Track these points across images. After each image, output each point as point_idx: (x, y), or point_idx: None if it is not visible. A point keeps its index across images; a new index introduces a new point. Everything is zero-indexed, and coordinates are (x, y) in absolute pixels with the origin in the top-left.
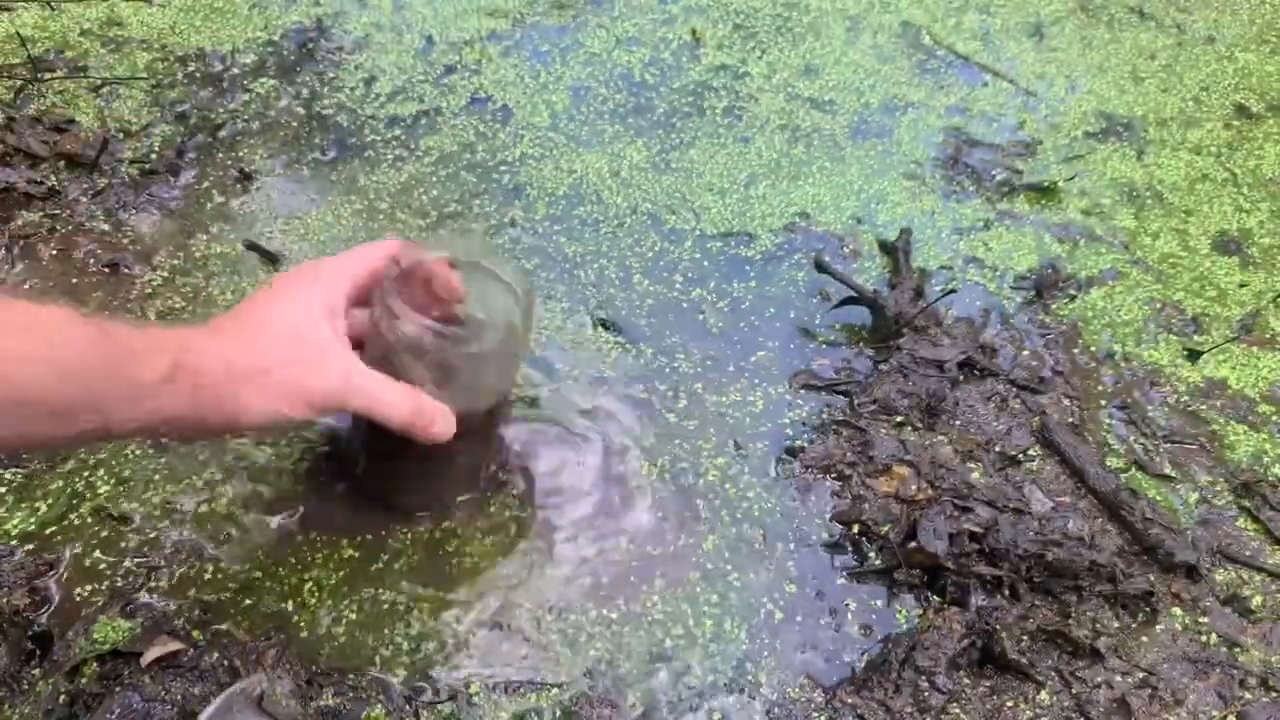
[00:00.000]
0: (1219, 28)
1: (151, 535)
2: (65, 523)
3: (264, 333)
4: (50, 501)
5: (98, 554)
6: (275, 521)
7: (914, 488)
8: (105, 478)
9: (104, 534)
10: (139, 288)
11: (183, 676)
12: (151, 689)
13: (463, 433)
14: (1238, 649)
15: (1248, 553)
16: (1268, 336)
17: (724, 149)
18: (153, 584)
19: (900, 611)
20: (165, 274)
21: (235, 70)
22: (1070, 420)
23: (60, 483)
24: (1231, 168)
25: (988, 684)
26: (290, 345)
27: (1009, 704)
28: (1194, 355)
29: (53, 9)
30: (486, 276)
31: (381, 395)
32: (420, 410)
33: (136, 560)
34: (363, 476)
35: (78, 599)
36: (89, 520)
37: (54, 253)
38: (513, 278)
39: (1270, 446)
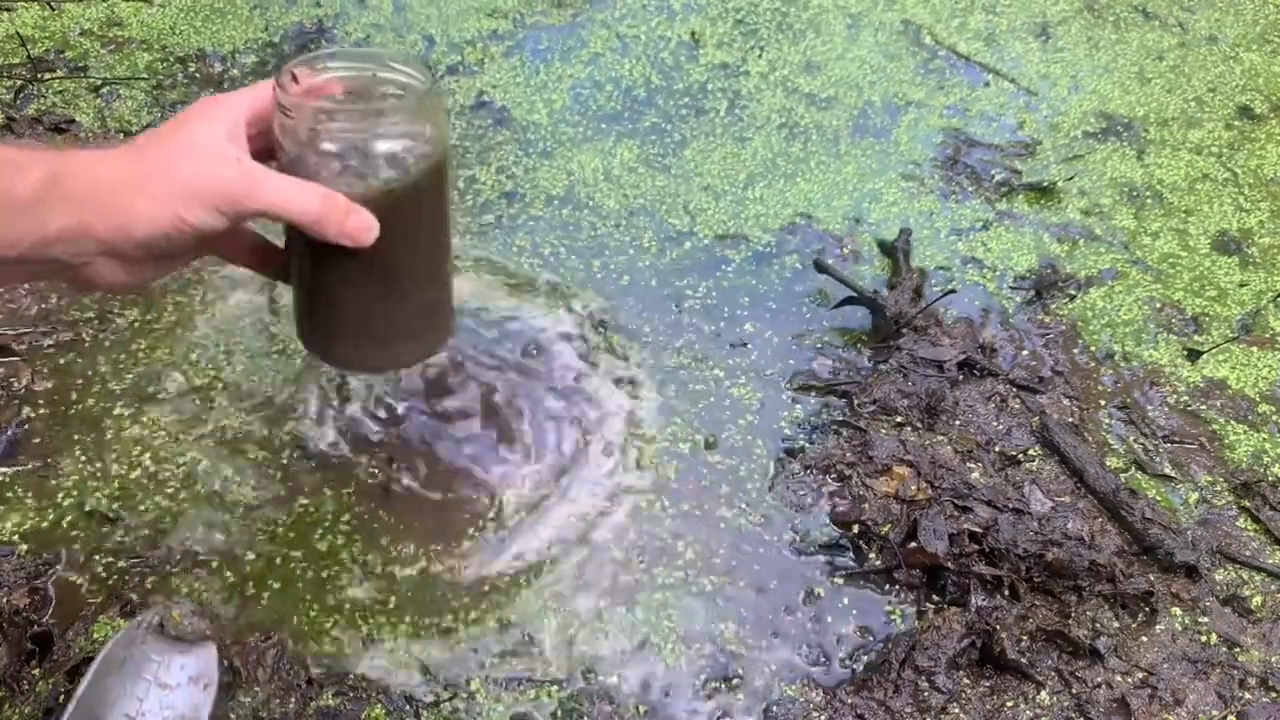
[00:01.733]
0: (1222, 28)
1: (151, 535)
2: (64, 523)
3: (156, 145)
4: (49, 501)
5: (96, 554)
6: (275, 522)
7: (914, 488)
8: (104, 478)
9: (103, 534)
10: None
11: None
12: None
13: (394, 253)
14: (1237, 649)
15: (1247, 553)
16: (1267, 336)
17: (722, 149)
18: (151, 583)
19: (900, 611)
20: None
21: (236, 71)
22: (1070, 420)
23: (59, 483)
24: (1232, 168)
25: (987, 684)
26: (185, 152)
27: (1009, 704)
28: (1194, 355)
29: (53, 9)
30: (390, 75)
31: (285, 189)
32: (331, 203)
33: (134, 560)
34: (307, 334)
35: (77, 599)
36: (87, 520)
37: None
38: (418, 71)
39: (1270, 446)
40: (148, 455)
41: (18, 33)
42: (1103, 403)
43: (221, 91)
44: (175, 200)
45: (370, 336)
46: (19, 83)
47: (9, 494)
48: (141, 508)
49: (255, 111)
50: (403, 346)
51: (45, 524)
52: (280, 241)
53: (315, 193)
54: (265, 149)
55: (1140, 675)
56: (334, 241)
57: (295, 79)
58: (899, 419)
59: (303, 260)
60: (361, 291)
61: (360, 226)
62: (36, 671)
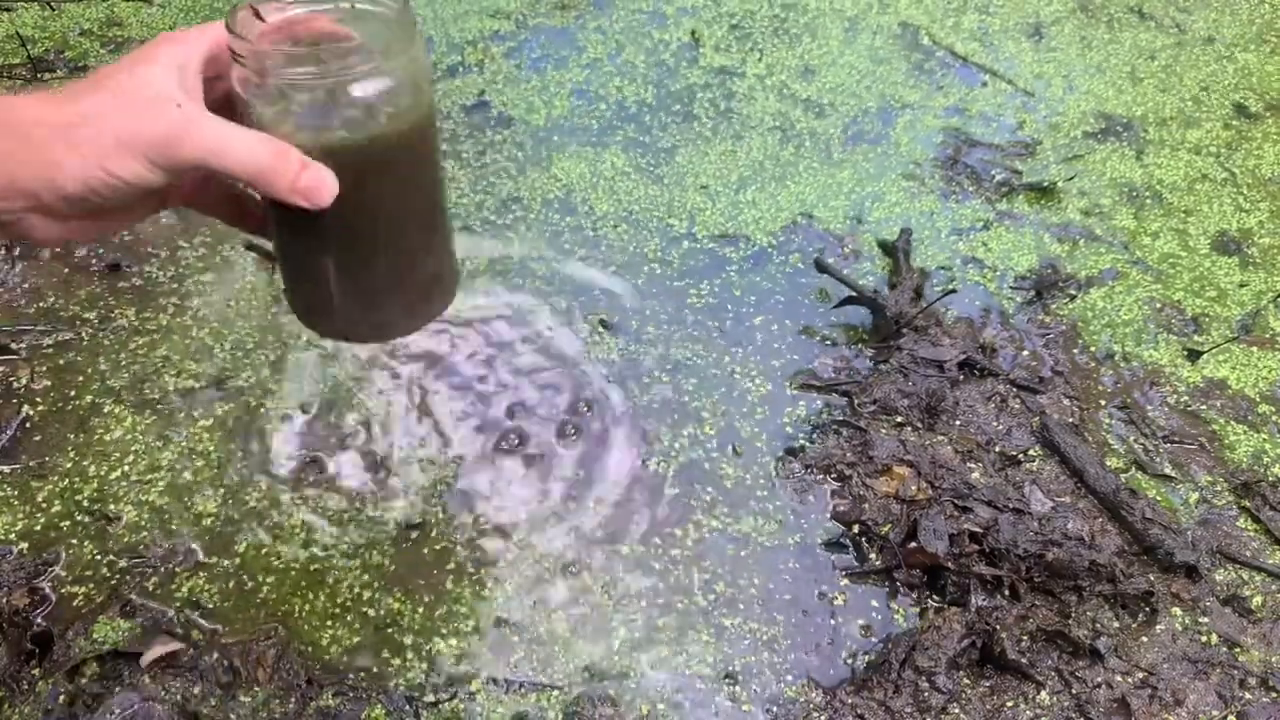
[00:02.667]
0: (1219, 28)
1: (150, 535)
2: (64, 523)
3: (92, 88)
4: (48, 500)
5: (96, 554)
6: (273, 521)
7: (914, 488)
8: (104, 476)
9: (102, 534)
10: (139, 287)
11: (182, 676)
12: (151, 689)
13: (370, 215)
14: (1238, 649)
15: (1248, 553)
16: (1267, 336)
17: (720, 149)
18: (150, 583)
19: (900, 611)
20: (166, 274)
21: None
22: (1070, 420)
23: (58, 481)
24: (1231, 168)
25: (988, 684)
26: (121, 96)
27: (1009, 704)
28: (1194, 355)
29: (53, 9)
30: (359, 4)
31: (224, 138)
32: (281, 157)
33: (134, 560)
34: (292, 302)
35: (77, 599)
36: (87, 520)
37: (54, 253)
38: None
39: (1270, 446)
40: (147, 454)
41: (18, 33)
42: (1103, 403)
43: None
44: (102, 151)
45: (356, 306)
46: (19, 83)
47: (8, 493)
48: (140, 506)
49: (217, 51)
50: (394, 316)
51: (44, 523)
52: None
53: (260, 144)
54: (227, 95)
55: (1140, 675)
56: (287, 201)
57: (258, 15)
58: (899, 419)
59: (276, 225)
60: (340, 259)
61: (315, 184)
62: (36, 672)
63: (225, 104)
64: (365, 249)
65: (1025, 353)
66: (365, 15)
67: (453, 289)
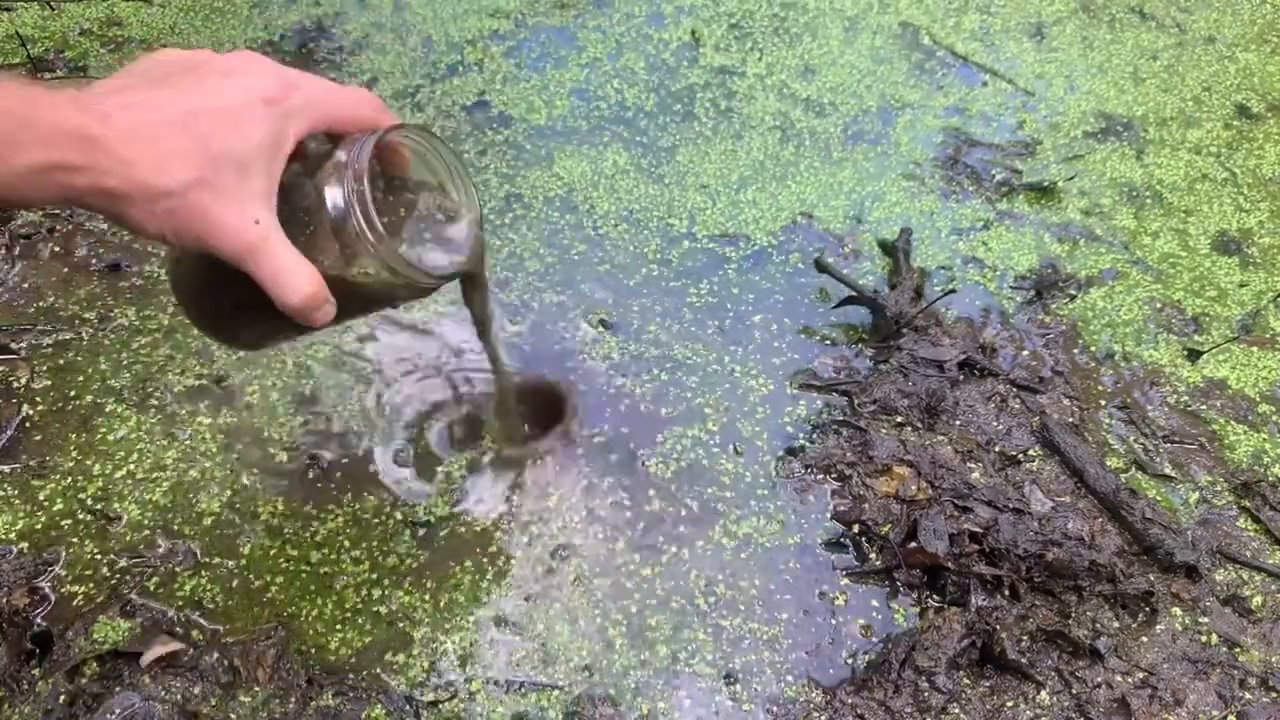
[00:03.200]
0: (1219, 28)
1: (151, 535)
2: (64, 522)
3: (194, 139)
4: (48, 500)
5: (96, 554)
6: (274, 521)
7: (914, 488)
8: (104, 476)
9: (103, 533)
10: (139, 286)
11: (182, 676)
12: (151, 689)
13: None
14: (1238, 649)
15: (1248, 553)
16: (1268, 336)
17: (720, 149)
18: (151, 583)
19: (900, 611)
20: (165, 274)
21: None
22: (1070, 420)
23: (58, 481)
24: (1231, 167)
25: (988, 684)
26: (216, 165)
27: (1009, 704)
28: (1194, 355)
29: (52, 9)
30: (453, 182)
31: (290, 269)
32: (316, 298)
33: (134, 560)
34: (195, 317)
35: (77, 598)
36: (88, 519)
37: (54, 252)
38: (472, 196)
39: (1270, 446)
40: (148, 453)
41: (17, 33)
42: (1103, 403)
43: None
44: (172, 225)
45: (261, 338)
46: None
47: (8, 492)
48: (142, 506)
49: (318, 124)
50: (262, 342)
51: (44, 523)
52: None
53: (309, 280)
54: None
55: (1140, 675)
56: (286, 313)
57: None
58: (899, 419)
59: (215, 268)
60: (272, 324)
61: (322, 320)
62: (36, 672)
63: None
64: (297, 327)
65: (1025, 352)
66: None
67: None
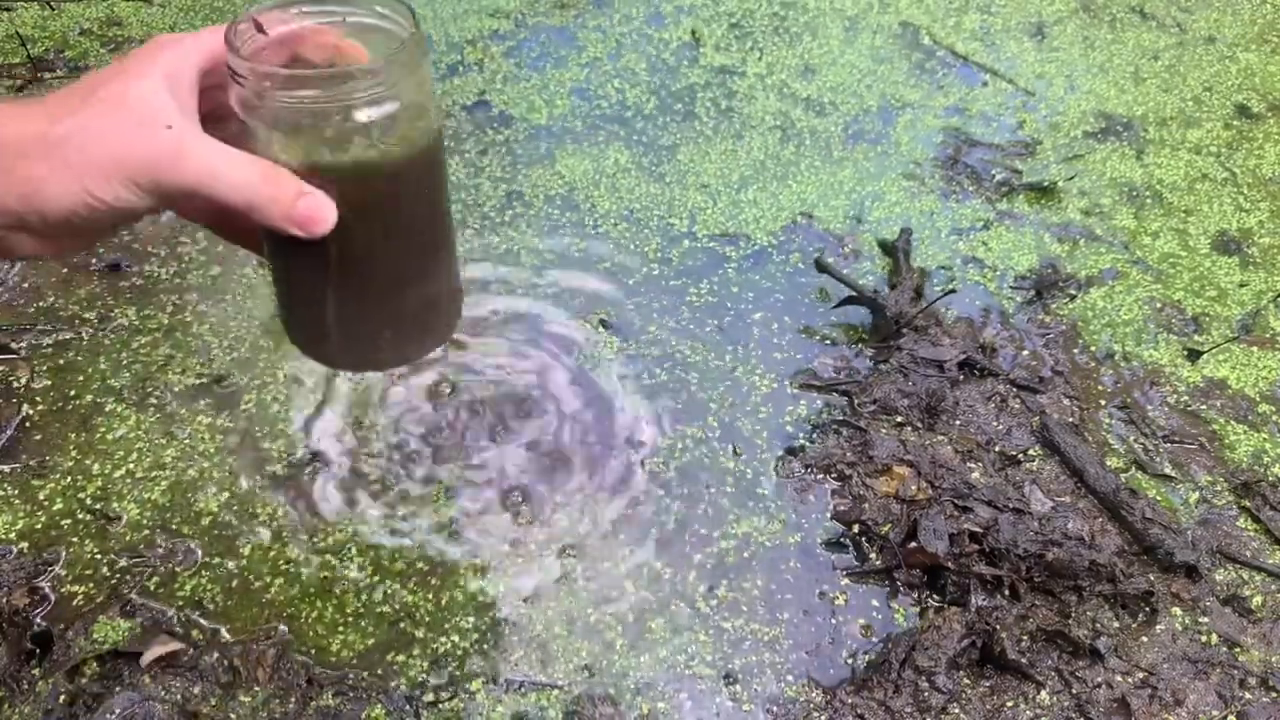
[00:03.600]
0: (1220, 28)
1: (151, 534)
2: (64, 522)
3: (79, 101)
4: (48, 500)
5: (96, 553)
6: (274, 521)
7: (914, 488)
8: (104, 475)
9: (102, 533)
10: (139, 286)
11: (182, 676)
12: (151, 688)
13: (371, 243)
14: (1238, 649)
15: (1248, 553)
16: (1268, 336)
17: (721, 148)
18: (151, 583)
19: (900, 611)
20: (166, 272)
21: None
22: (1070, 420)
23: (58, 481)
24: (1231, 167)
25: (988, 684)
26: (106, 112)
27: (1009, 704)
28: (1194, 355)
29: (53, 8)
30: (363, 19)
31: (216, 162)
32: (275, 183)
33: (134, 559)
34: (286, 323)
35: (77, 598)
36: (87, 519)
37: None
38: (397, 14)
39: (1270, 446)
40: (147, 453)
41: (17, 32)
42: (1103, 403)
43: None
44: (86, 174)
45: (351, 336)
46: (19, 82)
47: (8, 492)
48: (141, 505)
49: (217, 59)
50: (391, 346)
51: (44, 522)
52: None
53: (254, 169)
54: (226, 107)
55: (1140, 675)
56: (281, 229)
57: (259, 28)
58: (899, 419)
59: (270, 247)
60: (337, 286)
61: (311, 213)
62: (36, 671)
63: (223, 116)
64: (363, 279)
65: (1025, 352)
66: (372, 30)
67: (454, 321)
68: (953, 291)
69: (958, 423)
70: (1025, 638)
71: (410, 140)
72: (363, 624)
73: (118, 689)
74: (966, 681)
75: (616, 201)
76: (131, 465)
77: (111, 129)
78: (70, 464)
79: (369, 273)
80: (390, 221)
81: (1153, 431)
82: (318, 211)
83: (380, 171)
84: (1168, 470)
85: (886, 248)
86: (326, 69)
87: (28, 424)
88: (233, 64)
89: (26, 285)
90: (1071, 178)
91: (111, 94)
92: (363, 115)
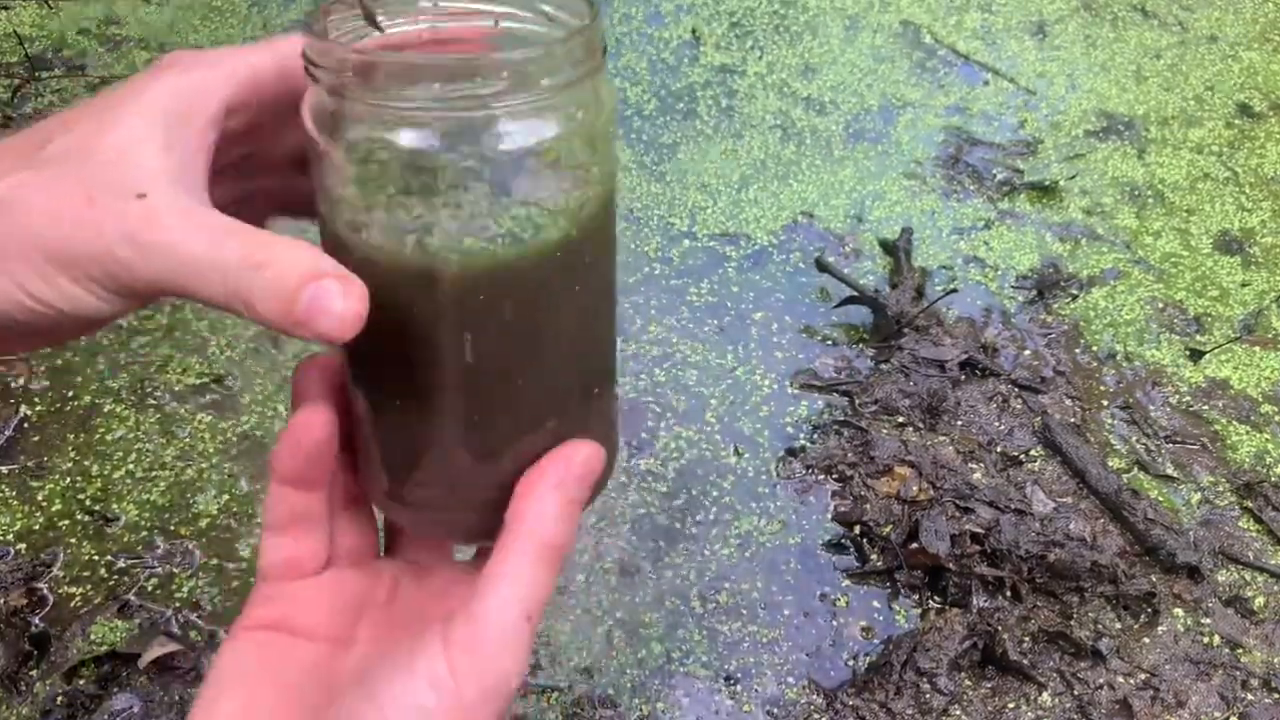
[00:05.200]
0: (1222, 27)
1: (149, 535)
2: (62, 523)
3: (33, 150)
4: (46, 501)
5: (94, 554)
6: None
7: (915, 488)
8: (102, 476)
9: (100, 534)
10: None
11: (181, 677)
12: (149, 690)
13: (490, 360)
14: (1240, 650)
15: (1250, 554)
16: (1270, 336)
17: (721, 148)
18: (149, 584)
19: (901, 612)
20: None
21: None
22: (1072, 420)
23: (56, 482)
24: (1233, 167)
25: (989, 685)
26: (60, 173)
27: (1010, 705)
28: (1196, 355)
29: (51, 7)
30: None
31: (198, 243)
32: (268, 259)
33: (132, 560)
34: (362, 469)
35: (75, 600)
36: (86, 520)
37: None
38: (572, 10)
39: (1273, 447)
40: (146, 454)
41: (15, 31)
42: (1105, 403)
43: None
44: (18, 262)
45: (446, 491)
46: (16, 82)
47: (6, 493)
48: (139, 506)
49: (254, 86)
50: (485, 514)
51: (42, 523)
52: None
53: (236, 243)
54: (263, 156)
55: (1142, 676)
56: (283, 332)
57: (370, 18)
58: (900, 419)
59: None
60: (425, 421)
61: (321, 305)
62: (34, 673)
63: (258, 166)
64: (464, 418)
65: (1027, 352)
66: (533, 37)
67: (603, 485)
68: (954, 291)
69: (959, 423)
70: (1027, 639)
71: (571, 197)
72: None
73: (116, 690)
74: (968, 683)
75: (617, 200)
76: (130, 466)
77: (55, 202)
78: (69, 465)
79: (476, 411)
80: (522, 336)
81: (1155, 432)
82: (331, 303)
83: (524, 244)
84: (1170, 471)
85: (887, 247)
86: (447, 55)
87: (26, 425)
88: (309, 51)
89: None
90: (1073, 177)
91: (74, 145)
92: (505, 134)
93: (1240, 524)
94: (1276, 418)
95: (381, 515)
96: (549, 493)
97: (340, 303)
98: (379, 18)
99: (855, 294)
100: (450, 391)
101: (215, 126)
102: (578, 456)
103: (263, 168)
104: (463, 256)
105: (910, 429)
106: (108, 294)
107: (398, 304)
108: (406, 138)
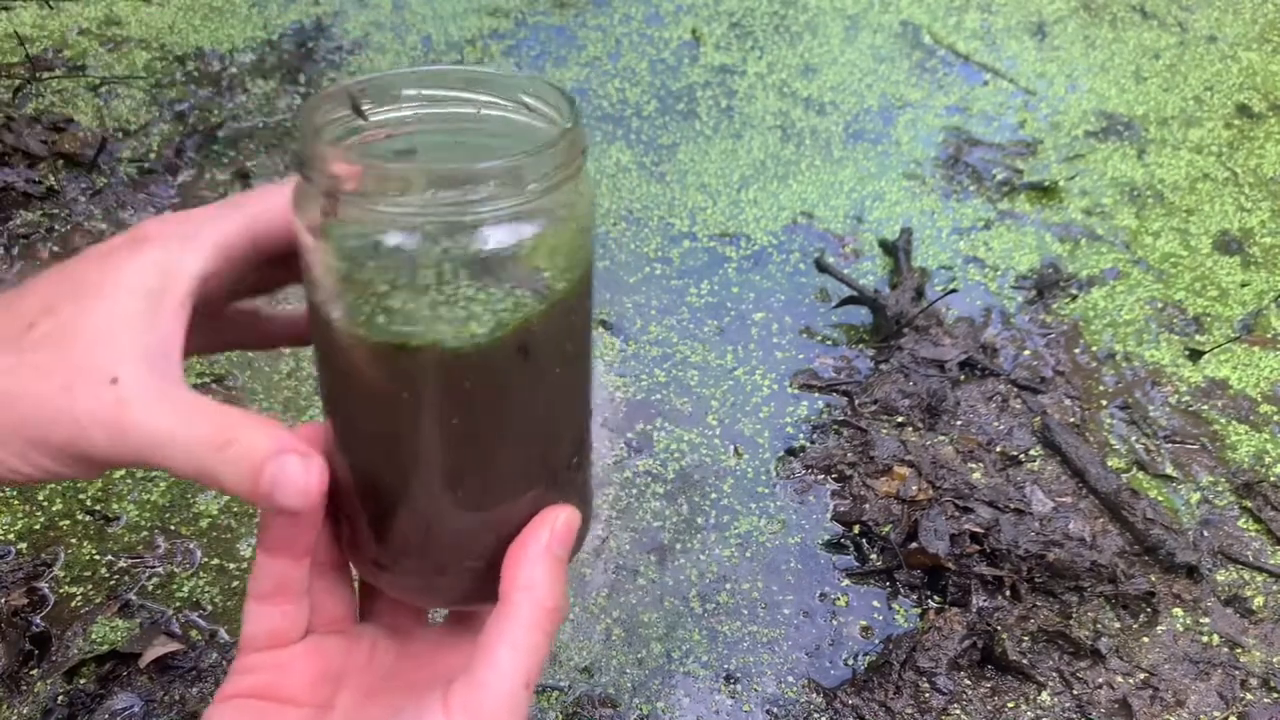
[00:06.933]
0: (1221, 27)
1: (150, 535)
2: (63, 523)
3: (19, 333)
4: (47, 501)
5: (95, 554)
6: None
7: (915, 488)
8: (106, 477)
9: (101, 534)
10: None
11: (182, 677)
12: (150, 689)
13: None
14: (1239, 649)
15: (1249, 553)
16: (1269, 336)
17: (721, 148)
18: (151, 584)
19: (901, 612)
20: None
21: (234, 69)
22: (1071, 420)
23: (56, 483)
24: (1233, 167)
25: (989, 685)
26: (37, 361)
27: (1010, 705)
28: (1195, 355)
29: (51, 8)
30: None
31: (170, 426)
32: (233, 439)
33: (133, 560)
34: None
35: (75, 599)
36: (86, 520)
37: (53, 251)
38: (552, 102)
39: (1272, 447)
40: None
41: (16, 32)
42: (1104, 403)
43: (220, 90)
44: (3, 447)
45: (433, 559)
46: (17, 82)
47: (7, 493)
48: (140, 506)
49: (226, 254)
50: (468, 580)
51: (43, 523)
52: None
53: (204, 424)
54: (243, 305)
55: (1142, 676)
56: (254, 503)
57: (356, 108)
58: (900, 419)
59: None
60: (410, 496)
61: (283, 482)
62: (35, 672)
63: (248, 308)
64: (445, 487)
65: (1026, 352)
66: (511, 126)
67: (581, 540)
68: (954, 291)
69: (959, 423)
70: (1026, 638)
71: (551, 289)
72: None
73: (116, 690)
74: (967, 682)
75: (617, 201)
76: (130, 465)
77: (36, 391)
78: None
79: (460, 486)
80: (504, 416)
81: (1154, 432)
82: (293, 479)
83: (505, 331)
84: (1169, 471)
85: (887, 247)
86: (433, 165)
87: None
88: (301, 153)
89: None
90: (1073, 177)
91: (56, 332)
92: (487, 241)
93: (1239, 524)
94: (1276, 417)
95: (358, 579)
96: (539, 559)
97: (302, 478)
98: (364, 107)
99: (855, 294)
100: (435, 470)
101: (192, 297)
102: (559, 521)
103: (232, 309)
104: (446, 345)
105: (910, 429)
106: (83, 467)
107: (383, 387)
108: (394, 239)
